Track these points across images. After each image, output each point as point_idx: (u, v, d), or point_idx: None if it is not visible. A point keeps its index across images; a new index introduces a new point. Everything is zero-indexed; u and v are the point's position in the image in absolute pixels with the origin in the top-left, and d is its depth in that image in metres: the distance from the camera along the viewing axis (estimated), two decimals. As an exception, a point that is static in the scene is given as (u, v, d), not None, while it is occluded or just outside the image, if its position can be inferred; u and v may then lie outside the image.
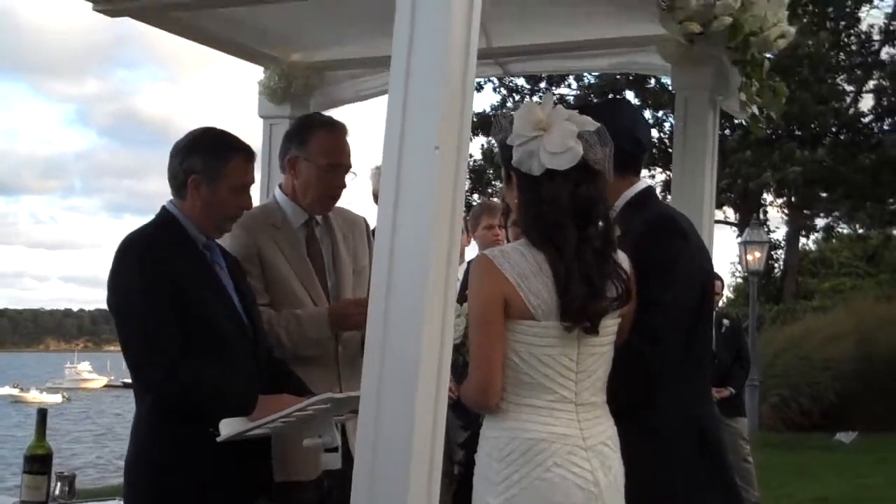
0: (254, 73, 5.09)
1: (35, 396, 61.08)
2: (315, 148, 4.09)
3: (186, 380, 3.42)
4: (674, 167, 4.83)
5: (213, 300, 3.58)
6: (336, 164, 4.12)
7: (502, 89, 31.30)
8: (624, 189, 3.44)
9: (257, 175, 4.23)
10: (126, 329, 3.52)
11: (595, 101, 25.95)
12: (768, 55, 4.44)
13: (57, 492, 3.91)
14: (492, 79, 29.04)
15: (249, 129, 4.68)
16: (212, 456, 3.40)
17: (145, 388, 3.54)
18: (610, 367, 3.09)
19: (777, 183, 27.99)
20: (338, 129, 4.17)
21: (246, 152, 3.71)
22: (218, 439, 3.32)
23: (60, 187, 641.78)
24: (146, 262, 3.49)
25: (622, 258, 3.11)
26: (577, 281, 2.94)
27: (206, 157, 3.64)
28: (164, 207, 3.70)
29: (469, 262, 3.99)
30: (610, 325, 3.06)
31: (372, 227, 4.26)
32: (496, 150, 26.13)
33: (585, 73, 29.41)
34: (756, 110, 4.44)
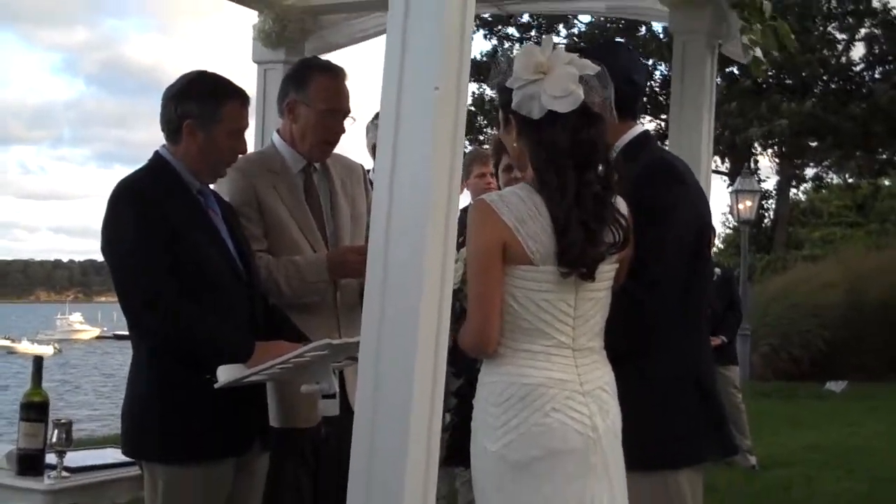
0: (246, 21, 5.04)
1: (27, 348, 61.01)
2: (314, 92, 4.05)
3: (182, 326, 3.41)
4: (671, 113, 4.80)
5: (207, 245, 3.55)
6: (335, 108, 4.07)
7: (493, 38, 31.15)
8: (622, 133, 3.40)
9: (252, 121, 4.20)
10: (121, 275, 3.49)
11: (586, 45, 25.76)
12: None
13: (54, 439, 3.90)
14: (483, 26, 28.91)
15: (243, 75, 4.63)
16: (208, 403, 3.40)
17: (141, 335, 3.53)
18: (607, 313, 3.08)
19: (764, 136, 27.87)
20: (337, 74, 4.11)
21: (241, 96, 3.68)
22: (215, 386, 3.31)
23: (49, 137, 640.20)
24: (140, 207, 3.47)
25: (620, 203, 3.08)
26: (575, 225, 2.91)
27: (201, 101, 3.60)
28: (157, 153, 3.67)
29: (462, 210, 3.95)
30: (607, 271, 3.04)
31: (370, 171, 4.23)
32: (488, 96, 25.97)
33: (576, 21, 29.29)
34: (759, 53, 4.39)
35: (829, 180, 34.49)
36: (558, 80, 2.94)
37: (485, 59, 29.53)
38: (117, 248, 3.49)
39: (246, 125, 3.72)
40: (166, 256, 3.41)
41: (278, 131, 4.19)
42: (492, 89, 3.13)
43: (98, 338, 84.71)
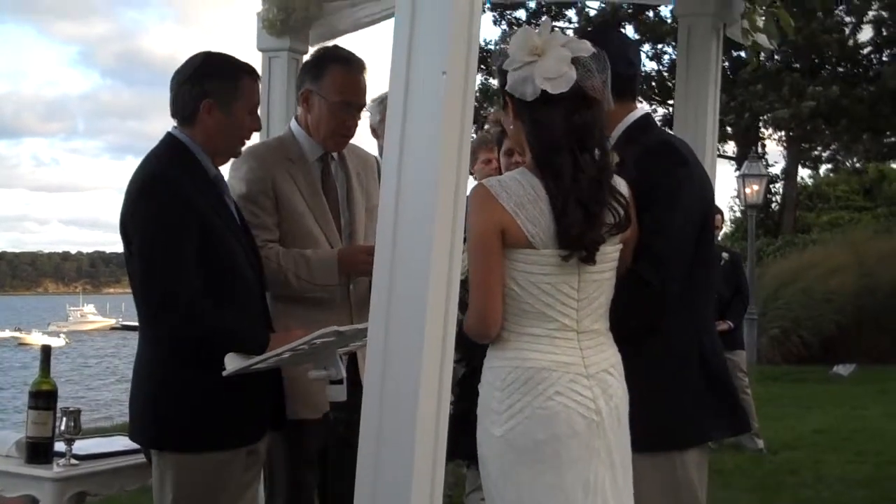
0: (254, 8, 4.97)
1: (37, 339, 61.06)
2: (328, 84, 4.00)
3: (200, 324, 3.38)
4: (676, 97, 4.78)
5: (228, 234, 3.52)
6: (348, 101, 4.02)
7: (503, 22, 31.10)
8: (623, 115, 3.40)
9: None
10: (141, 270, 3.42)
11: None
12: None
13: (63, 427, 3.90)
14: (494, 8, 28.78)
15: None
16: (217, 391, 3.38)
17: (161, 331, 3.46)
18: (612, 294, 3.08)
19: (790, 118, 27.58)
20: (354, 66, 4.06)
21: (254, 73, 3.69)
22: (224, 373, 3.28)
23: (63, 129, 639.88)
24: (165, 199, 3.40)
25: (621, 184, 3.08)
26: (573, 207, 2.92)
27: (218, 79, 3.57)
28: (170, 134, 3.60)
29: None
30: (610, 252, 3.04)
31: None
32: (493, 85, 25.75)
33: (587, 6, 29.21)
34: (761, 38, 4.37)
35: (838, 164, 34.35)
36: (551, 62, 2.94)
37: (494, 46, 29.48)
38: (139, 243, 3.41)
39: (259, 102, 3.72)
40: (191, 250, 3.36)
41: (296, 118, 4.15)
42: (495, 73, 3.13)
43: (112, 328, 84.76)
